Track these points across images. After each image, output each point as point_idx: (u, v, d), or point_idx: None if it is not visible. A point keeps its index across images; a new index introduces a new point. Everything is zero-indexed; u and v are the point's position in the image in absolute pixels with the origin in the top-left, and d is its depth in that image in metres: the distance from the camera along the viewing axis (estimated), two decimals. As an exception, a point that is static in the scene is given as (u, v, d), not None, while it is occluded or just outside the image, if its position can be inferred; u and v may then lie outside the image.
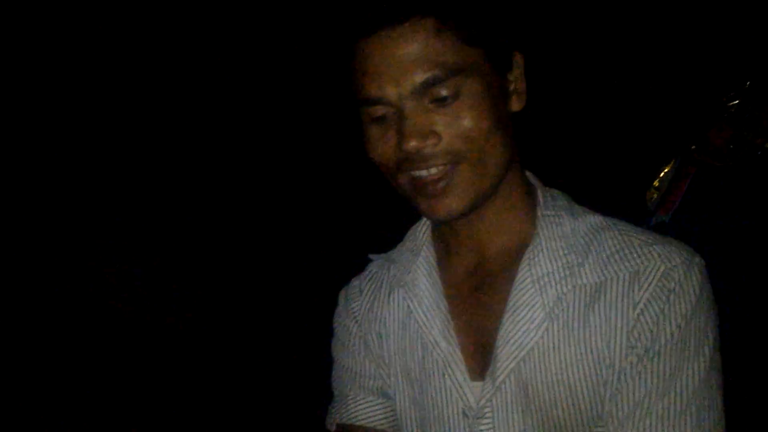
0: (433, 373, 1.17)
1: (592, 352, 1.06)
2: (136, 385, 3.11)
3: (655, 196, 2.78)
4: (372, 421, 1.24)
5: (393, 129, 1.06)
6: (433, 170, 1.05)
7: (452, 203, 1.06)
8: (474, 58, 1.05)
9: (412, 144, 1.03)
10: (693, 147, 2.71)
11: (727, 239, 2.55)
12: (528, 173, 1.22)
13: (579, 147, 2.83)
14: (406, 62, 1.02)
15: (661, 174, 2.78)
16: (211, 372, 3.12)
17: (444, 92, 1.03)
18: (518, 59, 1.15)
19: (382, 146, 1.08)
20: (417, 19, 1.02)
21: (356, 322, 1.30)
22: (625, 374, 1.05)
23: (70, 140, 3.16)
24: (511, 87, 1.14)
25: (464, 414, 1.13)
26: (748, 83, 2.64)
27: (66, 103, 3.12)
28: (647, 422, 1.02)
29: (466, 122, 1.04)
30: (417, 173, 1.06)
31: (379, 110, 1.07)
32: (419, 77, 1.02)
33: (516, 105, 1.14)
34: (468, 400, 1.13)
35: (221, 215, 3.25)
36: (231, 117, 3.22)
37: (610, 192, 2.66)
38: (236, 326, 3.16)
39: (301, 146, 3.15)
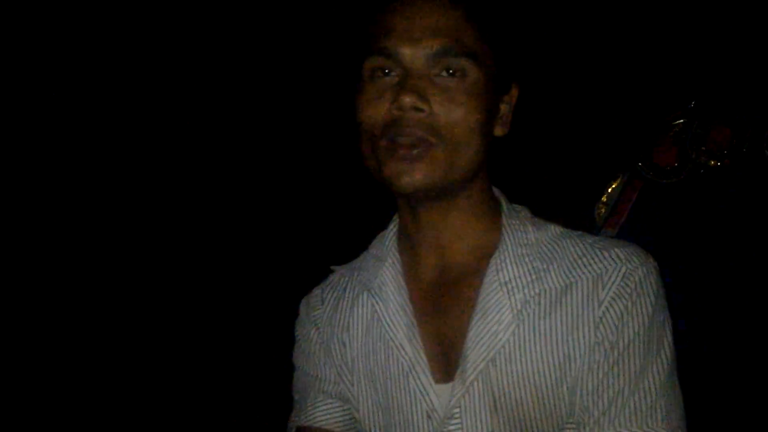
0: (398, 376, 1.18)
1: (557, 350, 1.10)
2: (131, 385, 3.09)
3: (603, 211, 2.84)
4: (330, 423, 1.25)
5: (391, 90, 1.10)
6: (412, 139, 1.08)
7: (419, 172, 1.09)
8: (487, 54, 1.12)
9: (408, 99, 1.07)
10: (639, 164, 2.79)
11: (670, 255, 2.62)
12: (495, 188, 1.27)
13: (528, 162, 2.87)
14: (429, 29, 1.09)
15: (609, 190, 2.84)
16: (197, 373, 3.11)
17: (454, 64, 1.09)
18: (514, 90, 1.23)
19: (376, 104, 1.11)
20: (450, 2, 1.11)
21: (317, 329, 1.31)
22: (594, 372, 1.09)
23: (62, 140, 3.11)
24: (501, 110, 1.20)
25: (428, 416, 1.14)
26: (693, 103, 2.73)
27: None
28: (622, 418, 1.06)
29: (460, 109, 1.09)
30: (397, 138, 1.09)
31: (386, 66, 1.11)
32: (437, 44, 1.08)
33: (498, 129, 1.20)
34: (432, 402, 1.14)
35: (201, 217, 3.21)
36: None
37: (560, 206, 2.71)
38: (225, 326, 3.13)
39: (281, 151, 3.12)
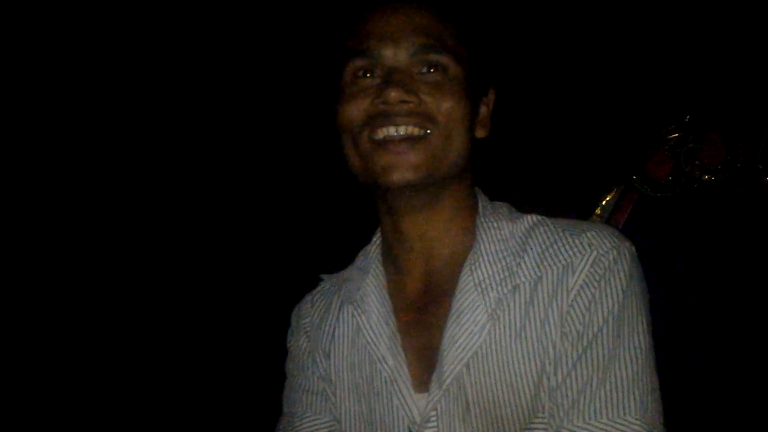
0: (381, 389, 1.17)
1: (532, 346, 1.07)
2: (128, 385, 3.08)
3: (598, 223, 2.84)
4: None
5: (374, 87, 1.10)
6: (402, 129, 1.09)
7: (410, 167, 1.08)
8: (464, 55, 1.14)
9: (395, 93, 1.07)
10: (634, 177, 2.79)
11: (664, 269, 2.62)
12: (476, 188, 1.26)
13: (523, 175, 2.87)
14: (409, 28, 1.10)
15: (603, 202, 2.85)
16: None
17: (435, 60, 1.10)
18: (491, 93, 1.24)
19: (358, 101, 1.11)
20: (427, 4, 1.13)
21: (307, 337, 1.30)
22: (562, 362, 1.05)
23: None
24: (481, 112, 1.20)
25: (409, 429, 1.13)
26: (687, 116, 2.74)
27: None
28: (592, 410, 1.02)
29: (448, 98, 1.10)
30: (385, 131, 1.09)
31: (368, 67, 1.12)
32: (419, 41, 1.10)
33: (479, 131, 1.20)
34: (412, 414, 1.13)
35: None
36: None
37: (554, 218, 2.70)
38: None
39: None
